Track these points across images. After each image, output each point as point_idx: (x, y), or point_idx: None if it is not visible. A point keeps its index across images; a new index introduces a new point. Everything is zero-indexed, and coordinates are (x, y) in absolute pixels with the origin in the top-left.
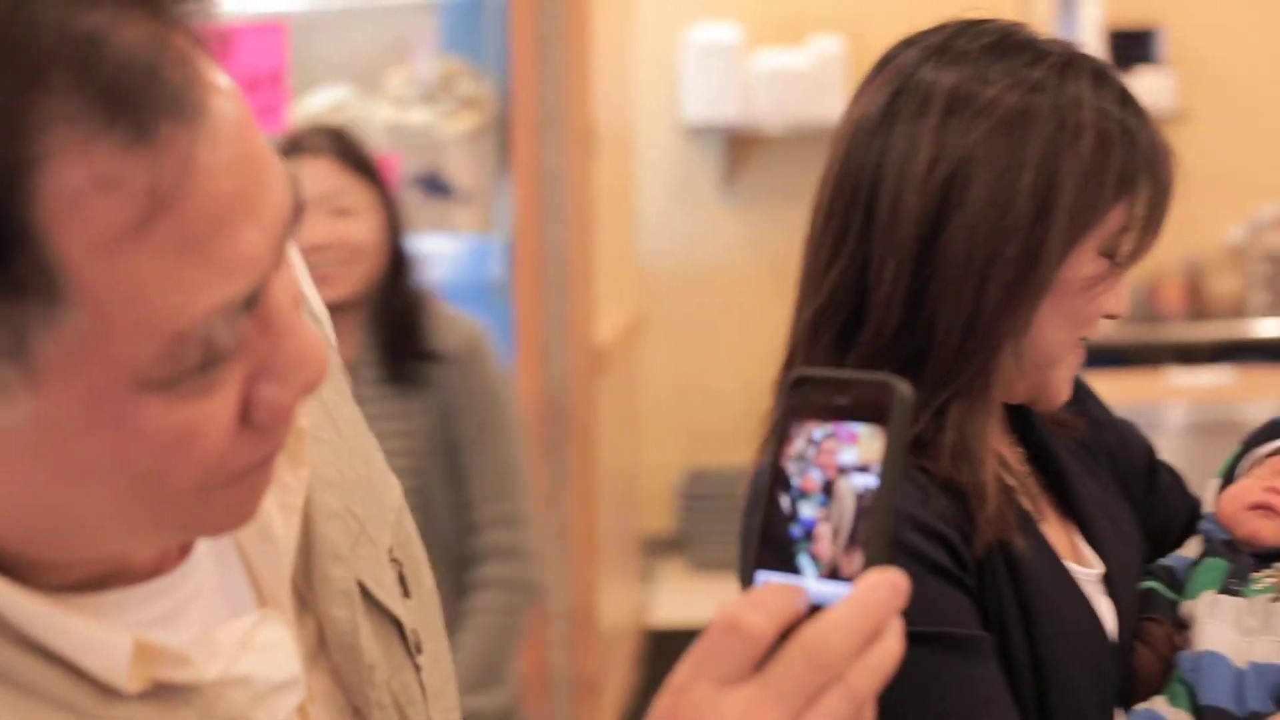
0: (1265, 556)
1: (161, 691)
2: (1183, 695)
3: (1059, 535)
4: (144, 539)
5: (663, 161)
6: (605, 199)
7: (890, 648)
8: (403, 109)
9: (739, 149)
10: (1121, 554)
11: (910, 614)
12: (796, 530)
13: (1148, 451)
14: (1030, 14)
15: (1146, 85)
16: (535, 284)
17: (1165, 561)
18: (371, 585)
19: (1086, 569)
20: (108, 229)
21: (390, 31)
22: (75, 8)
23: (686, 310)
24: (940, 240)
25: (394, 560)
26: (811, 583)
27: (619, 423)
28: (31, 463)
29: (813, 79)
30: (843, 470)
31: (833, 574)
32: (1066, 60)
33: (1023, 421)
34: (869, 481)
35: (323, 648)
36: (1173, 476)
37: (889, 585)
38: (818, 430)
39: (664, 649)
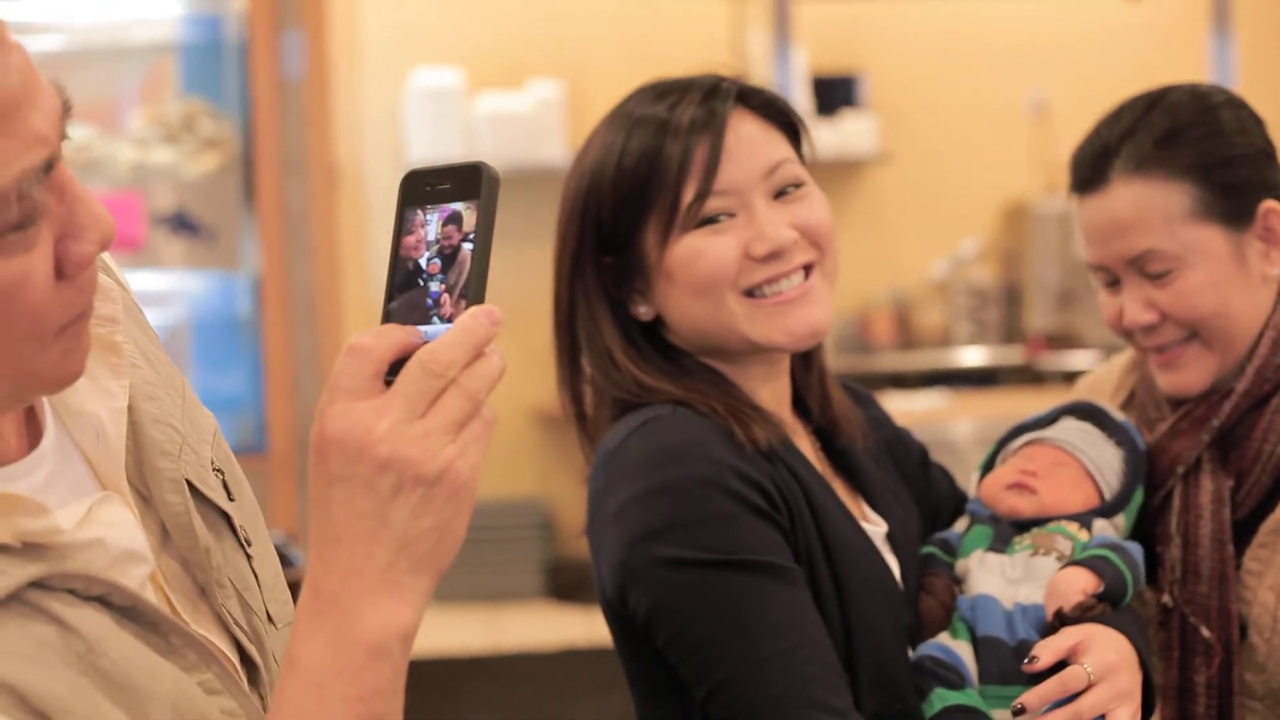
0: (1022, 526)
1: (22, 548)
2: (963, 630)
3: (849, 501)
4: None
5: (392, 202)
6: (347, 236)
7: (495, 362)
8: (146, 149)
9: None
10: (902, 520)
11: (737, 547)
12: (429, 301)
13: (922, 450)
14: (745, 62)
15: (851, 129)
16: (283, 319)
17: (940, 535)
18: (198, 484)
19: (874, 526)
20: None
21: (131, 73)
22: None
23: None
24: None
25: (217, 470)
26: (431, 329)
27: None
28: None
29: (532, 122)
30: (462, 241)
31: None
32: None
33: (815, 419)
34: (470, 246)
35: (167, 539)
36: (943, 472)
37: (486, 314)
38: (433, 214)
39: None
